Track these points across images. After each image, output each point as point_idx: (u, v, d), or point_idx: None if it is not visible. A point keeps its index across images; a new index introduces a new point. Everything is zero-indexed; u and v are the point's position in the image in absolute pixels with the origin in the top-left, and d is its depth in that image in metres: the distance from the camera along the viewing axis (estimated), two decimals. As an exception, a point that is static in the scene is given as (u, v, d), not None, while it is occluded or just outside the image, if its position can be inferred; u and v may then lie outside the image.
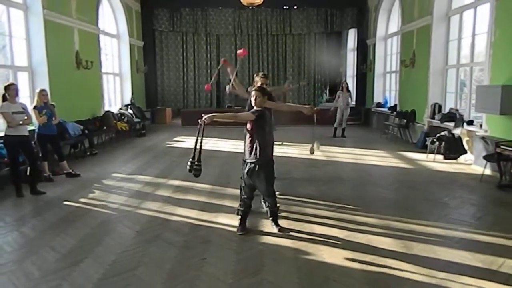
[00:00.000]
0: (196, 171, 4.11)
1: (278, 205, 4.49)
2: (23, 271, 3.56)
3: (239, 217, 4.47)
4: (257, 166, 4.20)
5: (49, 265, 3.68)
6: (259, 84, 5.02)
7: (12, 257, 3.86)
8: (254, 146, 4.20)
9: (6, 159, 6.05)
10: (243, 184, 4.41)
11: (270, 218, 4.48)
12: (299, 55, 16.95)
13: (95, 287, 3.28)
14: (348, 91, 11.82)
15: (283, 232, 4.34)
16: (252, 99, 4.26)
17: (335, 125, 11.68)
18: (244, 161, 4.35)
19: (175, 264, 3.69)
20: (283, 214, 4.96)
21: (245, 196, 4.40)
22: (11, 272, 3.54)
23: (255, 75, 5.34)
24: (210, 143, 10.36)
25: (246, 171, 4.27)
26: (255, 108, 4.23)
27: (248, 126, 4.24)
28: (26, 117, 6.00)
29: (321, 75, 17.34)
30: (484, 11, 7.97)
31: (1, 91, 6.02)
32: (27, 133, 6.08)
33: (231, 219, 4.73)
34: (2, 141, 6.15)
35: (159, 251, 3.97)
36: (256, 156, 4.19)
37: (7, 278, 3.44)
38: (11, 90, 5.90)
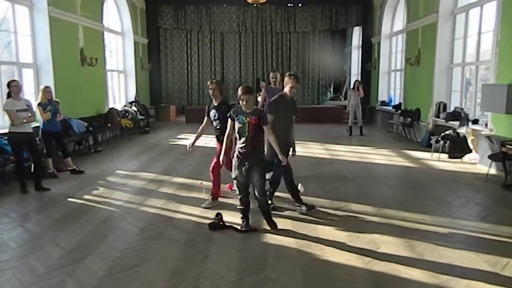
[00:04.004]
0: None
1: (270, 203, 4.52)
2: (27, 267, 3.58)
3: (241, 215, 4.48)
4: (254, 164, 4.25)
5: (53, 261, 3.70)
6: (289, 85, 4.87)
7: (17, 253, 3.89)
8: (252, 146, 4.23)
9: (12, 157, 6.04)
10: (237, 182, 4.41)
11: (264, 218, 4.48)
12: (304, 53, 16.89)
13: (99, 283, 3.30)
14: (359, 90, 11.84)
15: (275, 230, 4.32)
16: (242, 103, 4.21)
17: (349, 124, 11.83)
18: (239, 159, 4.32)
19: (179, 261, 3.70)
20: (287, 212, 4.96)
21: (242, 195, 4.43)
22: (16, 268, 3.56)
23: (285, 76, 5.02)
24: (215, 141, 10.35)
25: (244, 169, 4.28)
26: (246, 111, 4.21)
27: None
28: (30, 115, 6.00)
29: (325, 73, 17.29)
30: (491, 9, 7.90)
31: (5, 87, 6.04)
32: (31, 130, 6.09)
33: (234, 216, 4.72)
34: (6, 138, 6.17)
35: (163, 248, 3.98)
36: (253, 155, 4.24)
37: (12, 273, 3.46)
38: (12, 87, 5.89)
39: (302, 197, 5.03)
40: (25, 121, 5.90)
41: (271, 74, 6.97)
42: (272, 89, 6.63)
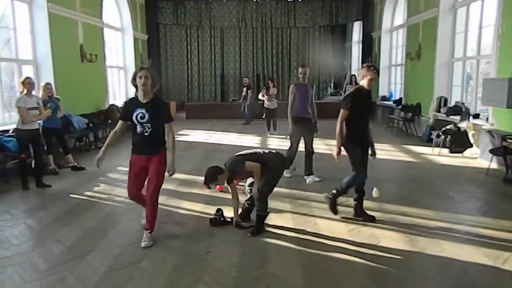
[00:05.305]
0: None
1: (268, 212, 4.27)
2: (29, 263, 3.59)
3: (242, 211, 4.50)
4: None
5: (55, 257, 3.71)
6: (369, 77, 4.34)
7: (19, 250, 3.90)
8: None
9: (22, 155, 5.96)
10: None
11: (255, 221, 4.26)
12: (304, 48, 16.89)
13: (100, 279, 3.31)
14: (357, 84, 11.81)
15: (253, 236, 4.13)
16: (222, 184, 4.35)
17: None
18: None
19: (180, 257, 3.71)
20: (288, 207, 4.97)
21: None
22: (18, 264, 3.57)
23: (362, 68, 4.48)
24: (215, 137, 10.36)
25: None
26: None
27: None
28: (38, 113, 6.02)
29: (325, 69, 17.27)
30: (492, 3, 7.86)
31: (5, 84, 6.03)
32: (37, 127, 6.14)
33: (235, 212, 4.73)
34: (12, 133, 6.16)
35: (164, 244, 3.98)
36: None
37: (13, 270, 3.47)
38: (25, 84, 5.92)
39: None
40: (34, 120, 5.93)
41: (300, 69, 6.39)
42: (302, 85, 6.34)
